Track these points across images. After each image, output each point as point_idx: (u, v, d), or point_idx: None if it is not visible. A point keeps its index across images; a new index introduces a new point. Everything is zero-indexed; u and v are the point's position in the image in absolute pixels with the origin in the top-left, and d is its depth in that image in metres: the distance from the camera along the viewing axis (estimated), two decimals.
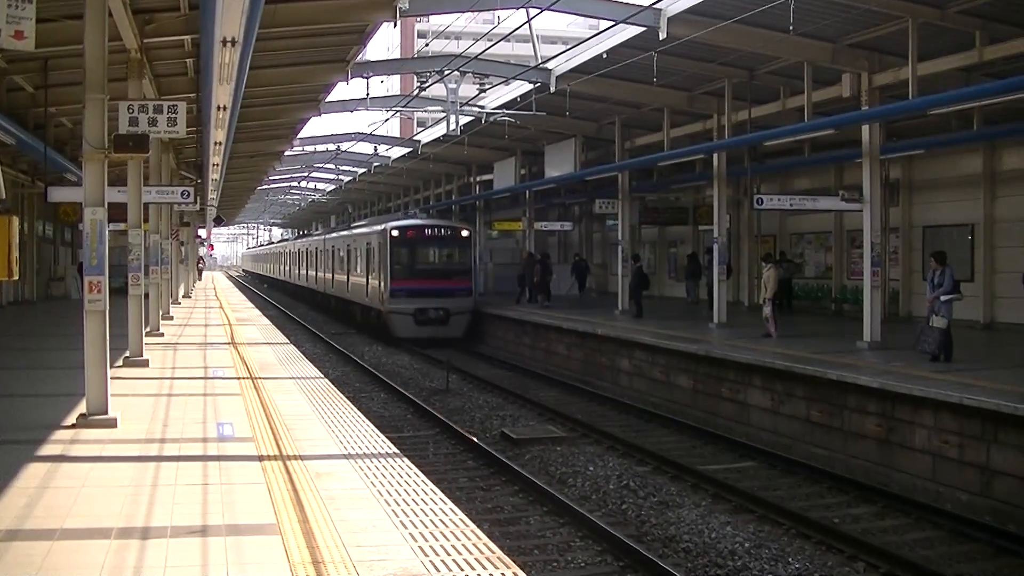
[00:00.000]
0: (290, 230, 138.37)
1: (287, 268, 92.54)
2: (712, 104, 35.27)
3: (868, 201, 26.90)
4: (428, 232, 44.90)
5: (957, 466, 18.02)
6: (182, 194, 26.18)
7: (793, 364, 22.30)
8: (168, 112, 17.27)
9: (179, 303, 46.46)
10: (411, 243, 44.44)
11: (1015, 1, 23.56)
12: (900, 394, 19.33)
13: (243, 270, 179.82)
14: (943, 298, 22.45)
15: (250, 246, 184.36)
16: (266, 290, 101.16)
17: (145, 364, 21.58)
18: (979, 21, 24.85)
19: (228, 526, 9.50)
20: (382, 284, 43.92)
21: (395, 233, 43.79)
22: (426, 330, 42.90)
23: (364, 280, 48.42)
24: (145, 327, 24.08)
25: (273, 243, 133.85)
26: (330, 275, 61.18)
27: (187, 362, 23.20)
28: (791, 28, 22.63)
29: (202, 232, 72.92)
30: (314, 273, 69.89)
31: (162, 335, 28.86)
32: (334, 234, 63.66)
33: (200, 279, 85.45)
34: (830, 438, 21.32)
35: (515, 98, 38.29)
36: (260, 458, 12.47)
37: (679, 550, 14.64)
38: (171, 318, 35.49)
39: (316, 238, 74.14)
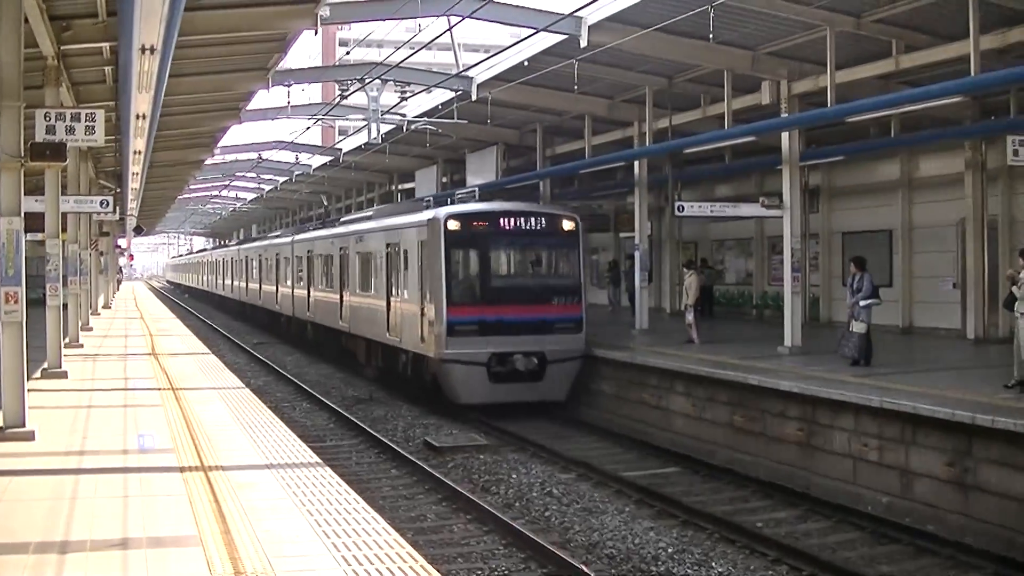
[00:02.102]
0: (223, 236, 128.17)
1: (226, 280, 76.03)
2: (633, 112, 35.40)
3: (788, 207, 27.15)
4: (511, 223, 27.73)
5: (877, 469, 18.22)
6: (101, 203, 25.91)
7: (715, 370, 22.45)
8: (86, 120, 17.07)
9: (99, 314, 45.97)
10: (483, 242, 27.58)
11: (930, 11, 23.89)
12: (820, 398, 19.52)
13: (167, 281, 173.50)
14: (862, 303, 22.70)
15: (174, 255, 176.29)
16: (193, 302, 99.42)
17: (64, 376, 21.34)
18: (895, 30, 25.17)
19: (149, 538, 9.41)
20: (431, 313, 26.74)
21: (454, 225, 26.88)
22: (509, 390, 26.49)
23: (385, 305, 31.01)
24: (64, 338, 23.84)
25: (206, 250, 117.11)
26: (304, 292, 44.70)
27: (107, 373, 22.98)
28: (711, 36, 22.76)
29: (122, 242, 72.13)
30: (273, 289, 53.05)
31: (81, 346, 28.58)
32: (315, 233, 44.92)
33: (119, 289, 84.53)
34: (753, 443, 21.48)
35: (437, 106, 38.22)
36: (181, 469, 12.37)
37: (603, 556, 14.65)
38: (91, 329, 35.13)
39: (276, 241, 55.43)
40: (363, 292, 34.29)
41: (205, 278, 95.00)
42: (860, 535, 16.04)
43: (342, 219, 44.51)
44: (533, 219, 27.97)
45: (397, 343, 29.92)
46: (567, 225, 27.97)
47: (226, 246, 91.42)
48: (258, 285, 58.67)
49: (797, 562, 14.29)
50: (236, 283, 69.09)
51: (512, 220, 27.72)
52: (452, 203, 30.06)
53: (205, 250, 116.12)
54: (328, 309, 39.45)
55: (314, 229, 47.18)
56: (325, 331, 40.78)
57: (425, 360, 27.61)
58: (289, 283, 48.71)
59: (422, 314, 27.42)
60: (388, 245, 31.00)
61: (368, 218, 37.16)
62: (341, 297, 37.09)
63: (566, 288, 27.90)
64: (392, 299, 30.36)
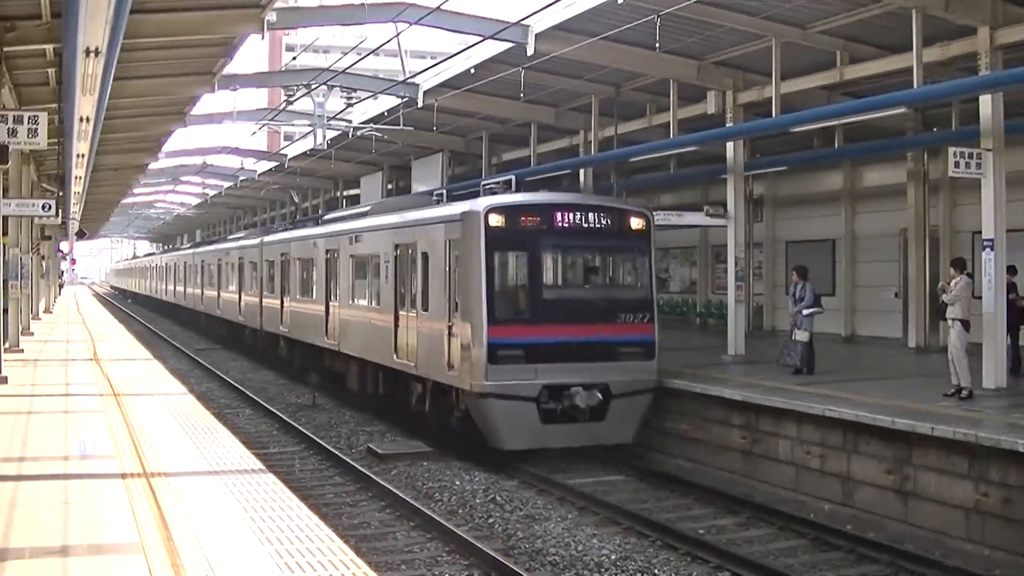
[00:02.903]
0: (169, 241, 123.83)
1: (177, 287, 69.21)
2: (579, 120, 35.55)
3: (732, 217, 27.37)
4: (568, 219, 22.01)
5: (819, 476, 18.35)
6: (43, 207, 25.68)
7: (659, 378, 22.50)
8: (29, 123, 16.99)
9: (40, 319, 45.56)
10: (533, 242, 21.91)
11: (874, 23, 24.12)
12: (763, 406, 19.64)
13: (111, 286, 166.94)
14: (804, 312, 22.93)
15: (118, 259, 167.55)
16: (136, 307, 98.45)
17: (4, 381, 21.13)
18: (840, 41, 25.43)
19: (90, 546, 9.33)
20: (466, 333, 21.21)
21: (497, 220, 21.34)
22: (564, 433, 21.28)
23: (392, 320, 25.47)
24: (4, 343, 23.58)
25: (154, 253, 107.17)
26: (276, 302, 38.61)
27: (48, 379, 22.78)
28: (657, 45, 22.88)
29: (64, 246, 71.53)
30: (235, 297, 47.15)
31: (22, 351, 28.31)
32: (291, 234, 39.00)
33: (60, 294, 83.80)
34: (697, 451, 21.59)
35: (383, 112, 38.20)
36: (123, 476, 12.27)
37: (546, 563, 14.67)
38: (31, 334, 34.83)
39: (240, 244, 48.59)
40: (359, 304, 28.84)
41: (153, 284, 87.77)
42: (801, 542, 16.16)
43: (326, 217, 38.80)
44: (594, 214, 22.25)
45: (409, 369, 24.29)
46: (636, 222, 22.59)
47: (178, 249, 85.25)
48: (216, 293, 52.52)
49: (739, 569, 14.37)
50: (190, 290, 62.32)
51: (569, 215, 22.03)
52: (477, 195, 24.08)
53: (153, 254, 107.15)
54: (309, 323, 33.76)
55: (287, 229, 41.89)
56: (304, 349, 34.84)
57: (454, 393, 22.13)
58: (256, 291, 42.48)
59: (449, 334, 21.85)
60: (398, 247, 25.42)
61: (363, 215, 30.75)
62: (327, 309, 31.38)
63: (635, 302, 22.38)
64: (402, 313, 25.00)
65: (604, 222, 22.19)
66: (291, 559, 8.93)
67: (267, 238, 41.91)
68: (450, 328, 21.83)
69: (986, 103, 20.91)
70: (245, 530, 9.87)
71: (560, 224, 21.80)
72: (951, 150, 21.00)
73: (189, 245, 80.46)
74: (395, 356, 25.14)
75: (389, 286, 25.91)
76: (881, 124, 28.84)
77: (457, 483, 19.64)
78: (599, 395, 21.01)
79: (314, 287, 33.52)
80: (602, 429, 21.39)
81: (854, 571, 14.85)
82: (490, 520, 17.05)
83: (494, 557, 14.21)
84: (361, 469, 20.13)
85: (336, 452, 21.97)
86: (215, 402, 29.12)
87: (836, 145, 31.53)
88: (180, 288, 67.59)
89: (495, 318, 20.92)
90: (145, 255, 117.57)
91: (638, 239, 22.60)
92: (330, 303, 31.32)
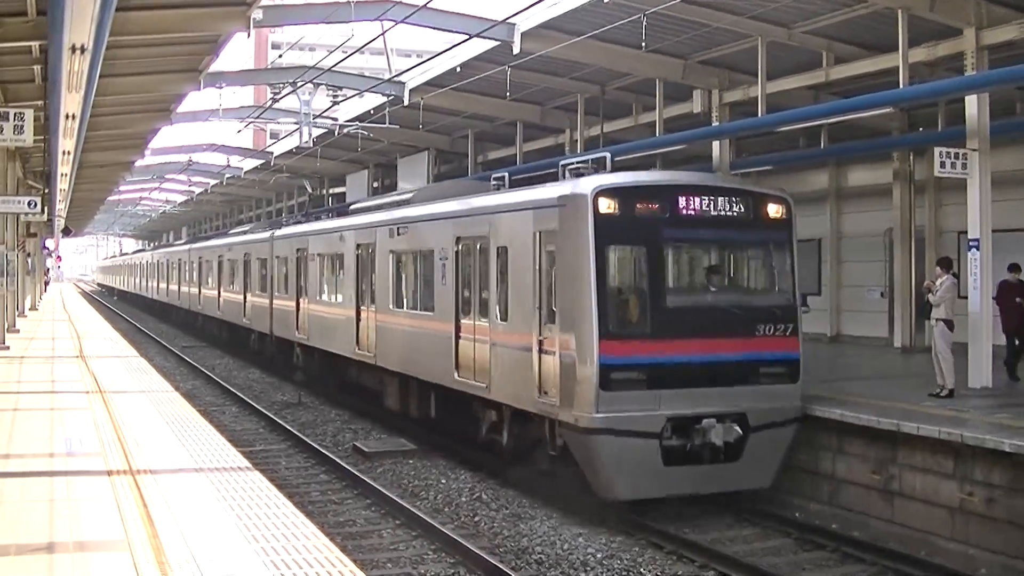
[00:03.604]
0: (155, 238, 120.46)
1: (171, 285, 64.35)
2: (565, 119, 35.59)
3: None
4: (694, 205, 17.67)
5: (810, 477, 18.34)
6: (29, 204, 25.72)
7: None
8: (15, 120, 16.99)
9: (25, 316, 45.46)
10: (653, 234, 17.51)
11: (860, 23, 24.17)
12: None
13: (97, 284, 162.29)
14: None
15: (106, 256, 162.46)
16: (124, 305, 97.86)
17: None
18: (825, 42, 25.49)
19: (75, 543, 9.31)
20: (569, 349, 16.99)
21: (609, 206, 17.02)
22: (693, 477, 17.19)
23: (452, 330, 21.17)
24: None
25: (145, 249, 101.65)
26: (290, 304, 33.94)
27: (34, 376, 22.74)
28: (643, 45, 22.90)
29: (49, 243, 71.38)
30: (240, 298, 42.43)
31: (8, 348, 28.27)
32: (310, 226, 34.06)
33: (46, 291, 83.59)
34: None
35: (368, 110, 38.21)
36: (109, 473, 12.25)
37: (532, 561, 14.70)
38: (17, 331, 34.75)
39: (247, 238, 43.27)
40: (403, 310, 24.53)
41: (144, 282, 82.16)
42: (785, 541, 16.19)
43: (355, 206, 32.72)
44: (727, 199, 17.77)
45: (478, 391, 19.97)
46: (776, 210, 18.28)
47: (173, 244, 79.46)
48: (216, 292, 47.56)
49: (724, 567, 14.40)
50: (186, 289, 57.72)
51: (696, 200, 17.49)
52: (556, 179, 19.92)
53: (145, 250, 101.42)
54: (333, 330, 29.18)
55: (300, 221, 37.46)
56: (325, 358, 30.28)
57: (548, 426, 17.67)
58: (265, 292, 37.82)
59: (541, 350, 17.66)
60: (460, 240, 21.00)
61: (403, 202, 25.94)
62: (358, 314, 26.81)
63: (776, 310, 17.96)
64: (466, 322, 20.69)
65: (738, 209, 17.81)
66: (276, 556, 8.92)
67: (279, 232, 36.99)
68: (541, 343, 17.65)
69: (972, 103, 20.97)
70: (231, 527, 9.86)
71: (685, 211, 17.48)
72: (937, 150, 21.04)
73: (186, 240, 76.37)
74: (456, 374, 20.86)
75: (448, 288, 21.45)
76: (867, 124, 28.91)
77: (443, 481, 19.66)
78: (737, 428, 16.94)
79: (341, 288, 28.63)
80: (737, 471, 17.19)
81: (838, 570, 14.92)
82: (476, 518, 17.07)
83: (480, 555, 14.22)
84: (347, 467, 20.14)
85: (322, 450, 21.98)
86: (201, 400, 29.10)
87: (822, 145, 31.60)
88: (175, 287, 62.34)
89: (608, 331, 16.51)
90: (135, 251, 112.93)
91: (779, 231, 18.32)
92: (362, 307, 26.91)
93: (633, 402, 16.45)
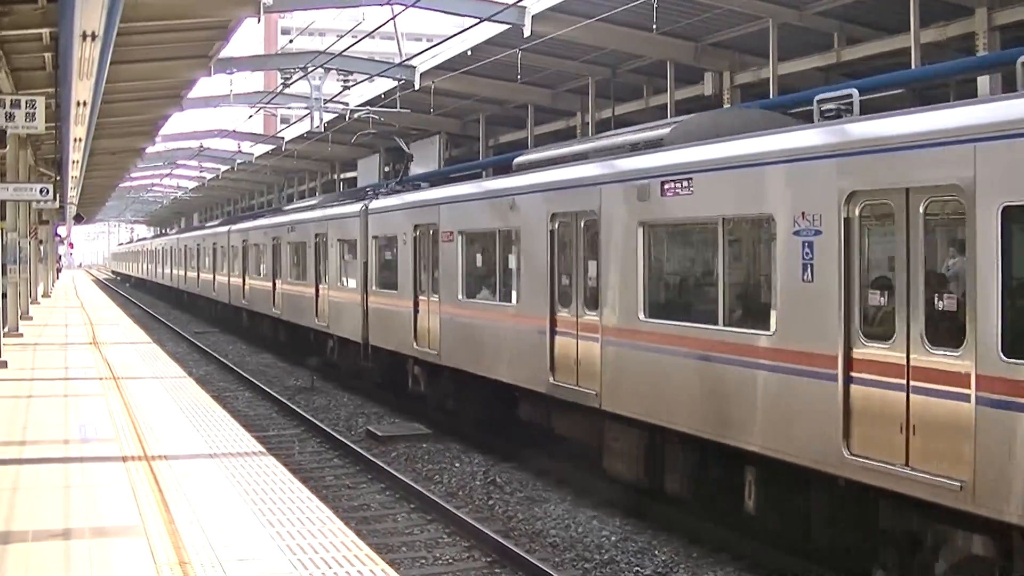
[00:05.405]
0: (169, 224, 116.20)
1: (192, 273, 59.71)
2: (576, 102, 35.47)
3: None
4: None
5: None
6: (41, 191, 25.69)
7: None
8: (26, 107, 17.02)
9: (38, 303, 45.59)
10: None
11: (871, 4, 24.08)
12: None
13: (111, 271, 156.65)
14: None
15: (120, 242, 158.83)
16: (134, 291, 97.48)
17: (4, 366, 21.19)
18: (837, 23, 25.35)
19: (92, 528, 9.36)
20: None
21: None
22: None
23: (546, 325, 17.56)
24: (3, 327, 23.61)
25: (167, 234, 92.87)
26: (336, 296, 30.18)
27: (47, 363, 22.83)
28: (654, 27, 22.86)
29: (61, 230, 71.51)
30: (268, 285, 38.93)
31: (21, 335, 28.35)
32: (375, 204, 27.73)
33: (59, 278, 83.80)
34: None
35: (379, 95, 38.16)
36: (124, 459, 12.31)
37: (546, 545, 14.70)
38: (30, 318, 34.86)
39: (290, 218, 37.79)
40: (479, 301, 20.79)
41: (163, 270, 76.66)
42: None
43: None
44: None
45: (590, 402, 16.21)
46: None
47: (198, 228, 72.21)
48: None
49: (738, 548, 14.38)
50: (224, 280, 49.63)
51: None
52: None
53: (167, 233, 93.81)
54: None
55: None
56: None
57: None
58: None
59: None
60: (578, 215, 16.78)
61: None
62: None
63: None
64: (564, 315, 17.26)
65: None
66: (292, 541, 8.96)
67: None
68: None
69: (984, 84, 20.88)
70: (246, 513, 9.91)
71: None
72: None
73: (220, 221, 67.67)
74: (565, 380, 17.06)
75: (542, 276, 17.73)
76: (877, 105, 28.75)
77: (457, 465, 19.68)
78: None
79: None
80: None
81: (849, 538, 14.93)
82: (490, 502, 17.09)
83: (494, 539, 14.25)
84: (360, 451, 20.18)
85: (335, 434, 22.03)
86: (214, 385, 29.16)
87: None
88: (208, 276, 54.27)
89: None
90: (154, 236, 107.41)
91: None
92: (419, 297, 23.62)
93: None
